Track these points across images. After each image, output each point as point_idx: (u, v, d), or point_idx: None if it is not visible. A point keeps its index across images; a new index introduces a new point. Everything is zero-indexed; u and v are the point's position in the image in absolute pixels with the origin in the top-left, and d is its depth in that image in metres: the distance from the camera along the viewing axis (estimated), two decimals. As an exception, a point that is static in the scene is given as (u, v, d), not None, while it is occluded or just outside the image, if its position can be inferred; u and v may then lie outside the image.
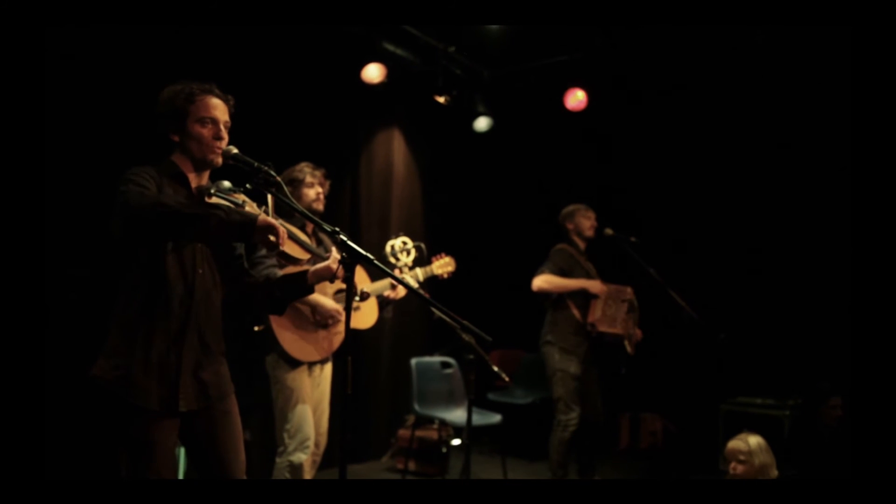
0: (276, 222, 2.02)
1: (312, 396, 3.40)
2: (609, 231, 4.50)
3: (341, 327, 3.40)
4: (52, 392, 3.15)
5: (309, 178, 3.41)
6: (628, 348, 4.34)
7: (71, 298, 3.42)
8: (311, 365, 3.39)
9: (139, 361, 2.05)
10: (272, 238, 2.00)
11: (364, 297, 3.15)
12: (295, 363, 3.32)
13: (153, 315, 2.08)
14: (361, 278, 3.48)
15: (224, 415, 2.22)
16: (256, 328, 3.27)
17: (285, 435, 3.30)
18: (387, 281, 3.43)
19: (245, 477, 2.24)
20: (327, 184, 3.52)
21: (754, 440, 2.93)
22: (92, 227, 3.32)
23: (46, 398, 2.91)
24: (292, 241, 2.25)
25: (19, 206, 2.49)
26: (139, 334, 2.06)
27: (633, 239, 4.51)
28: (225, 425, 2.21)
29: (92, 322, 3.36)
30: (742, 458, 2.91)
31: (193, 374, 2.14)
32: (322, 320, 3.32)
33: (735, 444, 2.96)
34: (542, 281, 4.29)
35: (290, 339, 3.28)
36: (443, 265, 3.69)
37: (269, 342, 3.30)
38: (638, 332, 4.42)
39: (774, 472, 2.93)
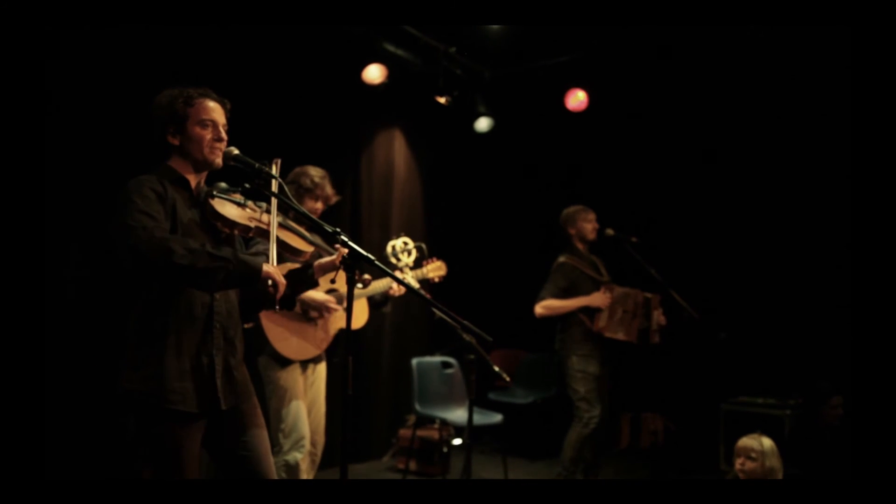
0: (277, 273, 2.03)
1: (307, 396, 3.41)
2: (610, 231, 4.50)
3: (331, 327, 3.41)
4: (52, 391, 3.15)
5: (318, 192, 3.39)
6: (648, 340, 4.36)
7: (70, 297, 3.43)
8: (303, 364, 3.40)
9: (172, 368, 2.04)
10: (270, 289, 2.02)
11: (366, 284, 3.16)
12: (286, 362, 3.33)
13: (178, 320, 2.07)
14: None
15: (248, 417, 2.22)
16: (246, 325, 3.28)
17: (280, 435, 3.31)
18: (385, 281, 3.44)
19: (274, 477, 2.25)
20: (334, 200, 3.51)
21: (768, 442, 2.97)
22: (93, 227, 3.33)
23: (46, 398, 2.92)
24: (296, 235, 2.27)
25: (18, 206, 2.50)
26: (168, 342, 2.05)
27: (633, 239, 4.50)
28: (250, 427, 2.21)
29: (92, 321, 3.38)
30: (754, 455, 2.94)
31: (226, 372, 2.16)
32: (312, 314, 3.32)
33: (748, 441, 2.99)
34: (542, 308, 4.32)
35: (280, 338, 3.29)
36: (434, 269, 3.69)
37: (260, 343, 3.30)
38: (662, 319, 4.41)
39: (780, 477, 2.95)
